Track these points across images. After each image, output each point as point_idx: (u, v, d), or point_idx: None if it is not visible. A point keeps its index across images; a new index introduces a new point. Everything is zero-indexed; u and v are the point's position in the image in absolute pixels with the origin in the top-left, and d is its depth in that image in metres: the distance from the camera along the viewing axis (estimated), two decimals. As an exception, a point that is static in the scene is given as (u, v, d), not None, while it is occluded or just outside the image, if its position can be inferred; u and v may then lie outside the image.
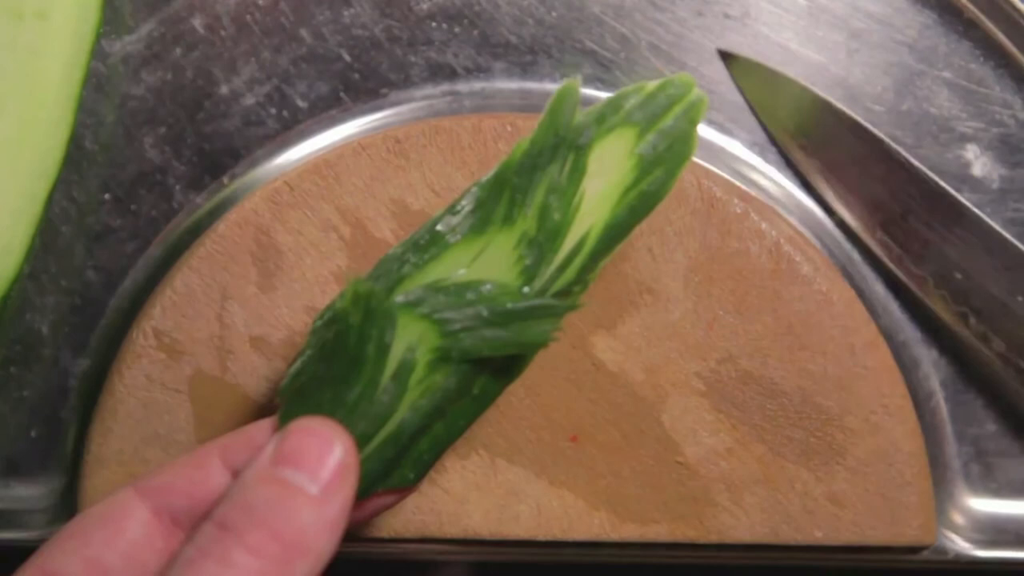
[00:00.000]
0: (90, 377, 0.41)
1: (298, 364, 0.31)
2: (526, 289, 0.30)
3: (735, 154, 0.41)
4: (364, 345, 0.30)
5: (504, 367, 0.32)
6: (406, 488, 0.32)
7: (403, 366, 0.30)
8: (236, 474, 0.29)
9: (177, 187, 0.41)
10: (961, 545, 0.41)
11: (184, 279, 0.38)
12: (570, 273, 0.31)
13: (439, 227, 0.31)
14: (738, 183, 0.41)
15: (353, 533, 0.32)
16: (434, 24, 0.42)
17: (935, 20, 0.42)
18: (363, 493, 0.31)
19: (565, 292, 0.31)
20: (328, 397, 0.30)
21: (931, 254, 0.40)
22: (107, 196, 0.41)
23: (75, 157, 0.41)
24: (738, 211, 0.39)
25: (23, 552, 0.41)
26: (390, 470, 0.31)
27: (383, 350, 0.30)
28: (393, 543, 0.39)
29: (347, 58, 0.42)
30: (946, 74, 0.42)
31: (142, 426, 0.38)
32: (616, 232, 0.31)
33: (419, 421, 0.30)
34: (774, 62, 0.41)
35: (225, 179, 0.41)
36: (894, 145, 0.40)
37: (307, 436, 0.28)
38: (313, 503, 0.27)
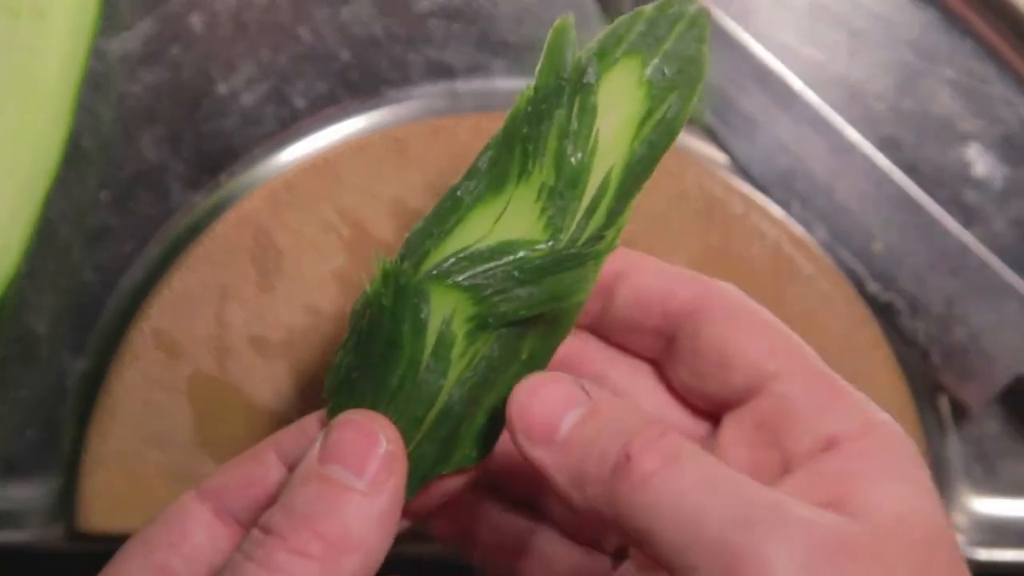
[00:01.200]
0: (88, 377, 0.41)
1: (339, 356, 0.30)
2: (552, 242, 0.29)
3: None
4: (399, 325, 0.29)
5: (550, 326, 0.30)
6: (471, 468, 0.31)
7: (442, 340, 0.29)
8: (292, 468, 0.29)
9: (175, 186, 0.41)
10: (963, 545, 0.41)
11: (182, 279, 0.38)
12: (599, 218, 0.29)
13: (459, 192, 0.30)
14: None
15: (419, 528, 0.32)
16: (433, 22, 0.41)
17: (937, 18, 0.42)
18: (423, 479, 0.30)
19: (597, 238, 0.30)
20: (371, 385, 0.29)
21: (760, 135, 0.40)
22: (105, 195, 0.41)
23: (73, 156, 0.41)
24: (739, 212, 0.39)
25: (20, 552, 0.41)
26: (449, 451, 0.30)
27: (419, 328, 0.29)
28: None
29: (346, 57, 0.41)
30: (948, 73, 0.42)
31: (141, 426, 0.38)
32: (640, 168, 0.30)
33: (469, 394, 0.30)
34: (776, 60, 0.41)
35: (223, 178, 0.41)
36: (730, 23, 0.40)
37: (350, 430, 0.28)
38: (359, 498, 0.27)
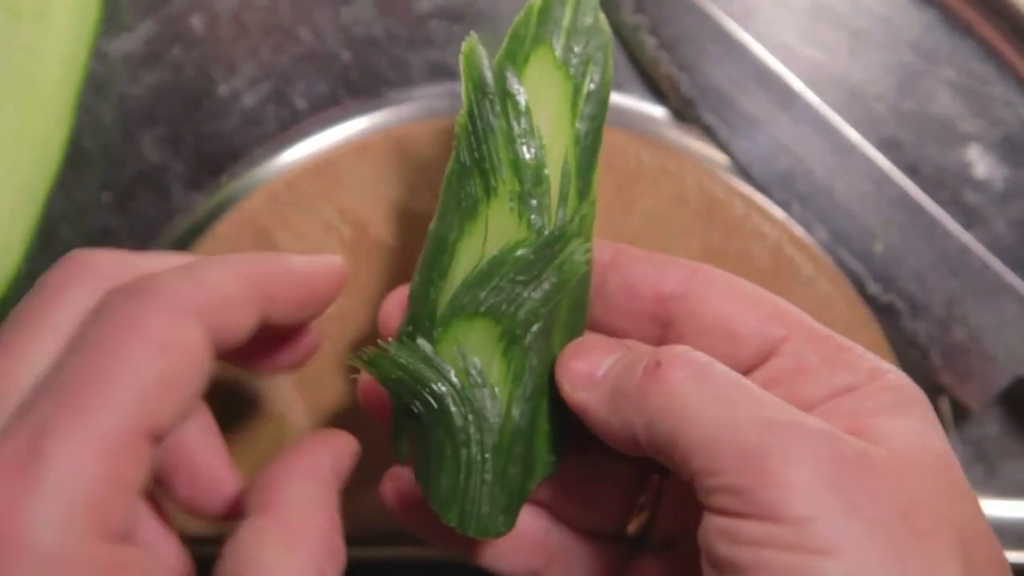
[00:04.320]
0: (89, 378, 0.41)
1: (396, 422, 0.32)
2: (537, 236, 0.30)
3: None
4: (445, 405, 0.30)
5: (570, 314, 0.32)
6: (552, 473, 0.32)
7: (480, 376, 0.30)
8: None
9: (176, 187, 0.41)
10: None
11: (183, 280, 0.38)
12: (572, 201, 0.31)
13: (440, 233, 0.31)
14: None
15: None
16: (434, 23, 0.41)
17: (937, 19, 0.42)
18: (520, 500, 0.31)
19: (578, 217, 0.31)
20: (443, 431, 0.31)
21: (760, 135, 0.40)
22: (106, 196, 0.41)
23: (74, 157, 0.41)
24: (739, 213, 0.39)
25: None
26: (531, 465, 0.31)
27: (463, 395, 0.30)
28: (393, 546, 0.39)
29: (347, 57, 0.41)
30: (948, 73, 0.42)
31: (141, 427, 0.38)
32: (588, 142, 0.31)
33: (527, 407, 0.31)
34: (776, 61, 0.41)
35: (224, 179, 0.41)
36: (731, 23, 0.40)
37: None
38: None
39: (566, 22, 0.31)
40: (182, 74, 0.41)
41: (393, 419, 0.32)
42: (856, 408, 0.27)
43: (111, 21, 0.41)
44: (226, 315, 0.27)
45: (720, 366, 0.27)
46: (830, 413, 0.27)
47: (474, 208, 0.30)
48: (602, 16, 0.31)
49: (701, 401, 0.26)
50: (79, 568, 0.23)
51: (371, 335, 0.35)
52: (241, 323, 0.27)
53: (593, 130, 0.31)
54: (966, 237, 0.40)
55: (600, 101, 0.31)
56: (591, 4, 0.31)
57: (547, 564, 0.33)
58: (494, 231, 0.30)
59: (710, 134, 0.41)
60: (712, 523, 0.25)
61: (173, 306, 0.26)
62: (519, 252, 0.30)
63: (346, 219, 0.38)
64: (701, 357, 0.27)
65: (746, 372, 0.30)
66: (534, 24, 0.31)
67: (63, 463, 0.23)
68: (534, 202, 0.30)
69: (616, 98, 0.42)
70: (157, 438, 0.25)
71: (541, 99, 0.30)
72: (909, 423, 0.27)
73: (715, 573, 0.25)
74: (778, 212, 0.40)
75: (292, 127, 0.41)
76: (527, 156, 0.30)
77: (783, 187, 0.40)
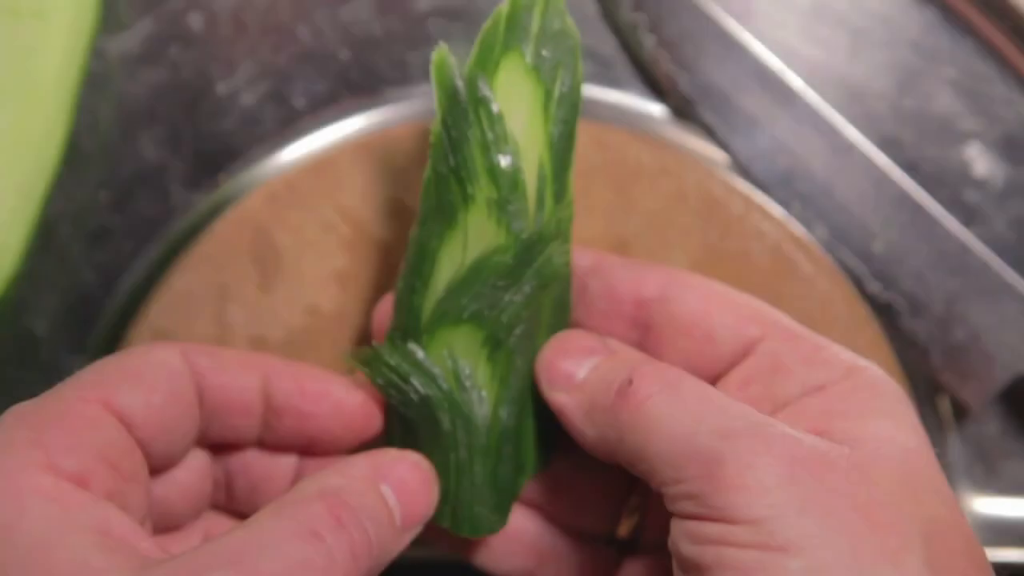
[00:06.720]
0: (88, 377, 0.40)
1: (390, 421, 0.32)
2: (516, 241, 0.31)
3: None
4: (433, 409, 0.31)
5: (552, 316, 0.32)
6: (543, 469, 0.33)
7: (467, 380, 0.31)
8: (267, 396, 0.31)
9: (175, 186, 0.41)
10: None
11: (182, 279, 0.38)
12: (549, 204, 0.31)
13: (421, 240, 0.31)
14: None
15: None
16: (433, 22, 0.41)
17: (937, 18, 0.42)
18: (512, 497, 0.32)
19: (555, 220, 0.32)
20: (430, 434, 0.31)
21: (760, 135, 0.40)
22: (104, 195, 0.41)
23: (72, 156, 0.41)
24: (739, 212, 0.39)
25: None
26: (521, 463, 0.32)
27: (450, 399, 0.31)
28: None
29: (345, 56, 0.41)
30: (949, 72, 0.42)
31: (140, 426, 0.38)
32: (562, 146, 0.31)
33: (514, 408, 0.31)
34: (776, 60, 0.41)
35: (223, 178, 0.41)
36: (731, 22, 0.40)
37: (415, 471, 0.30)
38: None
39: (535, 27, 0.31)
40: (180, 73, 0.41)
41: (386, 420, 0.32)
42: (826, 406, 0.28)
43: (109, 19, 0.41)
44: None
45: (690, 380, 0.28)
46: (800, 412, 0.28)
47: (452, 215, 0.31)
48: (570, 20, 0.31)
49: (668, 416, 0.27)
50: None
51: (370, 334, 0.35)
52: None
53: (566, 133, 0.31)
54: (966, 236, 0.40)
55: (571, 104, 0.31)
56: (559, 8, 0.31)
57: (540, 565, 0.34)
58: (473, 237, 0.31)
59: (710, 133, 0.41)
60: (677, 527, 0.26)
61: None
62: (499, 257, 0.30)
63: (345, 218, 0.38)
64: (671, 373, 0.28)
65: (723, 372, 0.31)
66: (503, 31, 0.31)
67: None
68: (511, 207, 0.30)
69: (615, 97, 0.42)
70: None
71: (513, 105, 0.31)
72: (877, 420, 0.27)
73: (683, 574, 0.26)
74: (777, 211, 0.40)
75: (291, 126, 0.41)
76: (502, 162, 0.30)
77: (783, 186, 0.40)
